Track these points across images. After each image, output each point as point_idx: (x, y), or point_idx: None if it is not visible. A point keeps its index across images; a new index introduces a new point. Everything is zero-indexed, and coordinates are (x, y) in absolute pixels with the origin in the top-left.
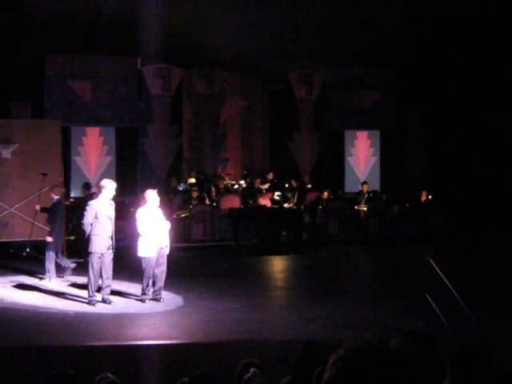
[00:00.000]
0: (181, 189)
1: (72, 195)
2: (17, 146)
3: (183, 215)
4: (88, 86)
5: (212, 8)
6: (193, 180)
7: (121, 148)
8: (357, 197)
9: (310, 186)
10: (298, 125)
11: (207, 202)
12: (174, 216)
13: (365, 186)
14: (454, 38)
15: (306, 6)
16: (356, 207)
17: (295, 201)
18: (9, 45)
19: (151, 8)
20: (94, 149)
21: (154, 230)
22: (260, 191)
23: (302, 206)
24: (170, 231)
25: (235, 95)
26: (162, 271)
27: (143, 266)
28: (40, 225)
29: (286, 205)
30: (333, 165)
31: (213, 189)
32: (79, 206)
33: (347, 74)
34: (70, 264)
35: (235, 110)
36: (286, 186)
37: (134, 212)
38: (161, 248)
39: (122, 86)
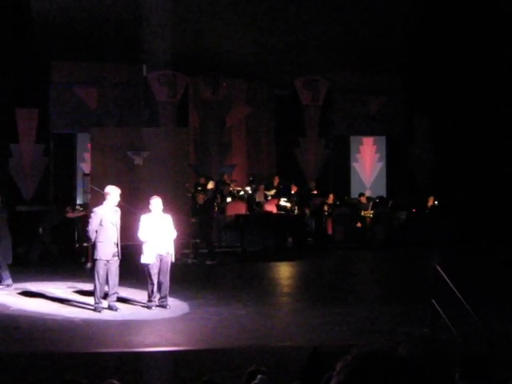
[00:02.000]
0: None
1: (78, 202)
2: (147, 152)
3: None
4: (94, 92)
5: (218, 15)
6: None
7: None
8: (359, 206)
9: (315, 191)
10: (303, 131)
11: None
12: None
13: (362, 197)
14: (460, 43)
15: (312, 13)
16: (362, 213)
17: (296, 206)
18: (15, 51)
19: (157, 15)
20: None
21: (155, 237)
22: (265, 197)
23: (308, 212)
24: (175, 240)
25: (241, 102)
26: (166, 278)
27: (146, 272)
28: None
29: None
30: (338, 171)
31: (218, 195)
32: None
33: (353, 79)
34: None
35: (241, 116)
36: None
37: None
38: (162, 255)
39: (128, 93)
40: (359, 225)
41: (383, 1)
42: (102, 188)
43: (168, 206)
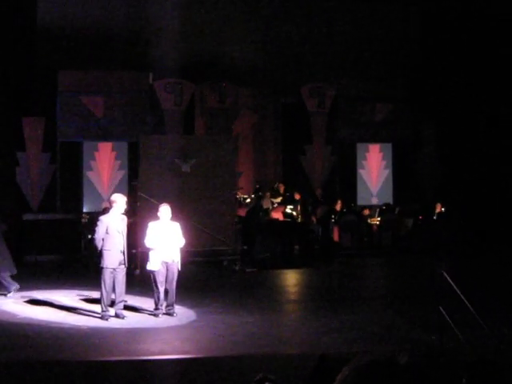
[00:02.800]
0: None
1: (84, 210)
2: (195, 160)
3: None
4: (100, 101)
5: (223, 22)
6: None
7: (133, 163)
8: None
9: (321, 199)
10: (310, 138)
11: None
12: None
13: (365, 210)
14: (466, 49)
15: (318, 20)
16: (369, 220)
17: (300, 214)
18: (22, 60)
19: (163, 23)
20: (106, 164)
21: (161, 245)
22: (272, 204)
23: (314, 219)
24: (182, 248)
25: (247, 109)
26: (172, 286)
27: (152, 280)
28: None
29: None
30: (345, 178)
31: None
32: (92, 222)
33: (359, 86)
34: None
35: (247, 123)
36: (297, 198)
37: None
38: (168, 263)
39: (134, 101)
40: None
41: (389, 8)
42: (151, 196)
43: (215, 213)
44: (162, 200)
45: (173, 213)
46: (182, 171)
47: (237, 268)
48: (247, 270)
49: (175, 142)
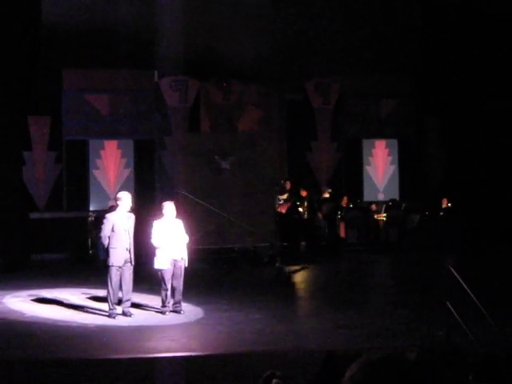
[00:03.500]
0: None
1: (91, 209)
2: (234, 157)
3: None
4: (105, 99)
5: (228, 19)
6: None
7: (139, 161)
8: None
9: (327, 195)
10: (315, 134)
11: None
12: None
13: (373, 205)
14: (470, 45)
15: (323, 16)
16: (375, 216)
17: (307, 210)
18: (27, 59)
19: (167, 21)
20: (112, 162)
21: (169, 243)
22: (278, 201)
23: (321, 216)
24: (188, 244)
25: (252, 106)
26: (180, 283)
27: (159, 278)
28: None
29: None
30: (351, 174)
31: None
32: (98, 220)
33: (364, 82)
34: None
35: (252, 120)
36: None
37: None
38: (176, 260)
39: (140, 99)
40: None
41: (393, 5)
42: (191, 192)
43: (255, 209)
44: (201, 197)
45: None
46: (221, 168)
47: (277, 264)
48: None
49: (214, 138)
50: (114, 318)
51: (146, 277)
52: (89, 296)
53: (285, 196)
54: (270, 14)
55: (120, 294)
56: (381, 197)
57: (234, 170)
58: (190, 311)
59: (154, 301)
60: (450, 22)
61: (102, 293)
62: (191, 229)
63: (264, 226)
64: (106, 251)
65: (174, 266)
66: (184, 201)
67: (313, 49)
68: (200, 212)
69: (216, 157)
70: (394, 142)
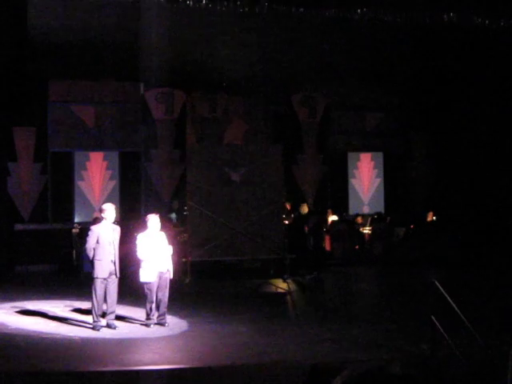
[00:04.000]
0: (185, 213)
1: (76, 220)
2: (245, 169)
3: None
4: (91, 110)
5: (214, 32)
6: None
7: (124, 173)
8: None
9: (307, 209)
10: (301, 147)
11: None
12: (179, 239)
13: (358, 218)
14: (457, 60)
15: (309, 30)
16: (361, 229)
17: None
18: (13, 70)
19: (153, 33)
20: (97, 173)
21: (154, 255)
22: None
23: (306, 229)
24: (173, 255)
25: (238, 118)
26: (165, 295)
27: (145, 290)
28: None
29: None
30: (336, 187)
31: None
32: (83, 232)
33: (350, 96)
34: None
35: (238, 133)
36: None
37: (136, 237)
38: (162, 272)
39: (126, 111)
40: (357, 247)
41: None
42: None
43: (263, 221)
44: (211, 208)
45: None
46: (231, 180)
47: (285, 277)
48: (307, 277)
49: (224, 150)
50: (99, 330)
51: (130, 289)
52: (73, 308)
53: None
54: (257, 27)
55: (104, 307)
56: (366, 210)
57: (244, 181)
58: (175, 324)
59: (138, 313)
60: (437, 37)
61: (86, 305)
62: (200, 241)
63: (272, 239)
64: (91, 263)
65: (160, 278)
66: (196, 213)
67: (299, 62)
68: (209, 224)
69: (226, 169)
70: (380, 155)
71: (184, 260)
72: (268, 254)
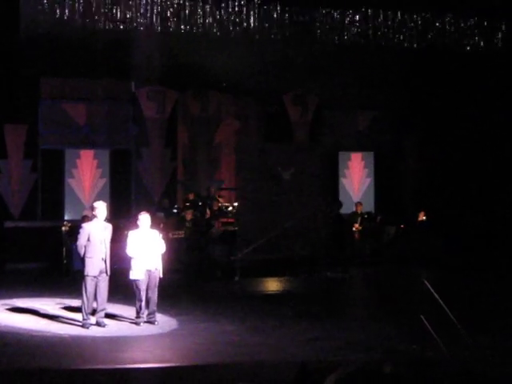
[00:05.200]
0: (174, 211)
1: (66, 218)
2: (294, 169)
3: (179, 236)
4: (82, 108)
5: (206, 31)
6: (191, 197)
7: (115, 171)
8: (351, 218)
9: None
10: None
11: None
12: (171, 235)
13: (359, 206)
14: (447, 60)
15: (300, 29)
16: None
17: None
18: (4, 67)
19: (145, 31)
20: (88, 171)
21: (143, 253)
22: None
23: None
24: (164, 254)
25: (230, 117)
26: (154, 294)
27: (134, 288)
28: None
29: None
30: (327, 186)
31: (208, 211)
32: (73, 230)
33: (341, 95)
34: None
35: (230, 132)
36: None
37: (127, 234)
38: (151, 271)
39: (117, 109)
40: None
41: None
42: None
43: (308, 220)
44: (258, 206)
45: None
46: (280, 178)
47: (328, 274)
48: (328, 275)
49: (274, 149)
50: (88, 328)
51: (120, 287)
52: (63, 306)
53: None
54: (249, 26)
55: (95, 304)
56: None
57: (292, 180)
58: (165, 322)
59: (128, 311)
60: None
61: (76, 303)
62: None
63: (316, 236)
64: (82, 261)
65: (149, 276)
66: (244, 207)
67: (291, 61)
68: (257, 222)
69: (278, 168)
70: (370, 154)
71: (233, 258)
72: (311, 251)
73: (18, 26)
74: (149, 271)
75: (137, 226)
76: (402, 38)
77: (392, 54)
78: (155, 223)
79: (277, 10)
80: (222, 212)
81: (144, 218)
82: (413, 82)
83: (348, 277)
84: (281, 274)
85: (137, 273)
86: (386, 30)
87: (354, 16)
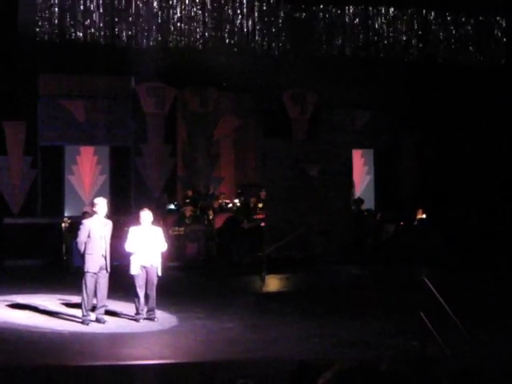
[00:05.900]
0: (173, 207)
1: (66, 215)
2: (320, 165)
3: (179, 233)
4: (81, 105)
5: (205, 27)
6: (190, 193)
7: (115, 167)
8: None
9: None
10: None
11: (205, 221)
12: (171, 232)
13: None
14: (446, 58)
15: (299, 27)
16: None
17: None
18: (2, 64)
19: (144, 27)
20: (87, 168)
21: (141, 249)
22: (255, 210)
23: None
24: (164, 252)
25: (229, 114)
26: (153, 291)
27: (133, 284)
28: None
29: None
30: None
31: (210, 211)
32: (73, 226)
33: (340, 93)
34: None
35: (229, 128)
36: None
37: (127, 231)
38: (147, 267)
39: (116, 105)
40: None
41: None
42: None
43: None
44: (287, 204)
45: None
46: (308, 175)
47: (353, 271)
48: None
49: (301, 146)
50: (88, 324)
51: (121, 284)
52: (63, 302)
53: (261, 205)
54: (248, 22)
55: (94, 301)
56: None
57: (319, 178)
58: (164, 319)
59: (128, 308)
60: (428, 36)
61: (75, 299)
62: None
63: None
64: (82, 257)
65: (147, 273)
66: (271, 205)
67: (290, 59)
68: (285, 219)
69: (305, 165)
70: (370, 152)
71: (260, 254)
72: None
73: (16, 23)
74: (145, 267)
75: (138, 223)
76: (402, 41)
77: (392, 54)
78: (156, 220)
79: (277, 8)
80: (223, 209)
81: (145, 215)
82: (412, 82)
83: (368, 273)
84: (297, 271)
85: (133, 268)
86: (385, 29)
87: (354, 17)
